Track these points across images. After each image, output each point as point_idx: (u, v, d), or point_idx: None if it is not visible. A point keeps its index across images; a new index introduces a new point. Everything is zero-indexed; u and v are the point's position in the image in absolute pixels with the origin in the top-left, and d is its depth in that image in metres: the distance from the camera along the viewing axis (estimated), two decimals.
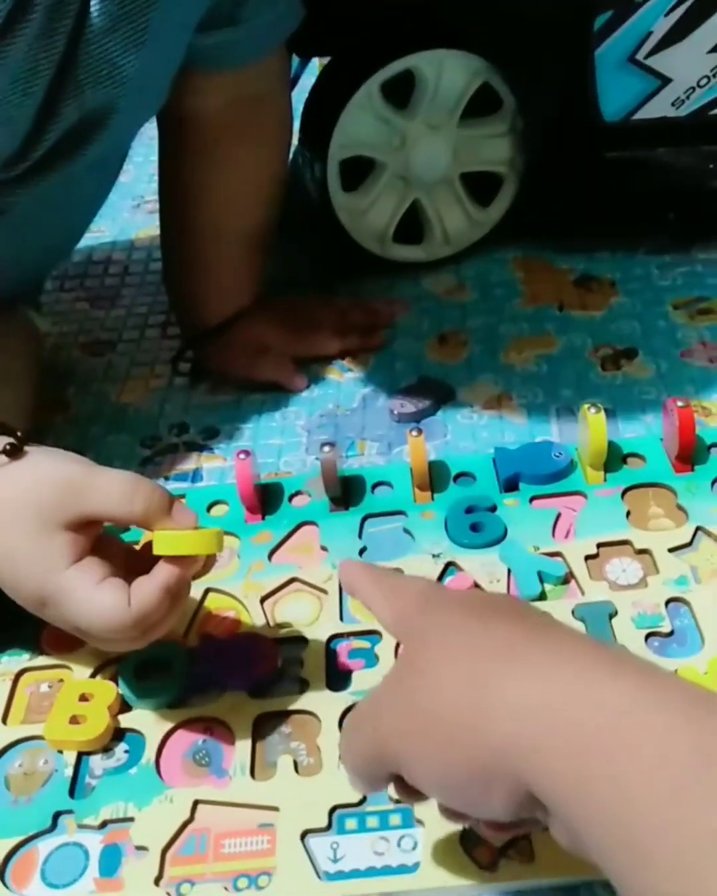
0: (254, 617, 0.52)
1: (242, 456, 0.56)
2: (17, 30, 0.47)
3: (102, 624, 0.41)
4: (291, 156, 0.86)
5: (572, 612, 0.49)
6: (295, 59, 0.81)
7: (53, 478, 0.42)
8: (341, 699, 0.47)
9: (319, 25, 0.71)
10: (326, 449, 0.56)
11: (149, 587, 0.41)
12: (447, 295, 0.78)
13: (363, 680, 0.48)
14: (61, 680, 0.50)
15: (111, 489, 0.41)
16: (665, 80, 0.72)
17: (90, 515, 0.41)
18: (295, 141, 0.86)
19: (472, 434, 0.64)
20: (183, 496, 0.60)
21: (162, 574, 0.42)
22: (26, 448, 0.43)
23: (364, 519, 0.57)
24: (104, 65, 0.52)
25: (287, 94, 0.69)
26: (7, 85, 0.48)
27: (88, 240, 0.94)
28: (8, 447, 0.43)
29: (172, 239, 0.72)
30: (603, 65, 0.71)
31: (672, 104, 0.73)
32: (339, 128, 0.72)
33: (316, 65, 0.90)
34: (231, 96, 0.64)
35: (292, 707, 0.47)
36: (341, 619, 0.51)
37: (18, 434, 0.44)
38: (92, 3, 0.49)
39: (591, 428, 0.54)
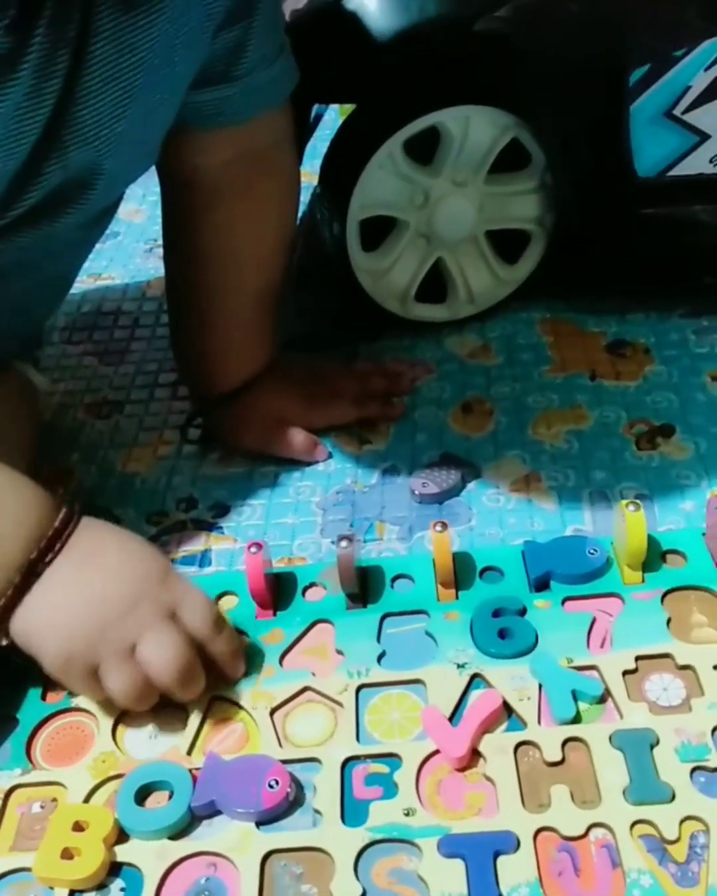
0: (263, 732, 0.48)
1: (253, 549, 0.52)
2: (3, 91, 0.44)
3: (209, 608, 0.49)
4: (307, 209, 0.83)
5: (610, 739, 0.45)
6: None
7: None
8: (357, 836, 0.43)
9: (341, 72, 0.68)
10: (344, 544, 0.52)
11: None
12: (471, 357, 0.74)
13: (381, 813, 0.44)
14: (55, 799, 0.47)
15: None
16: (704, 136, 0.68)
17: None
18: (313, 195, 0.83)
19: (498, 519, 0.60)
20: None
21: None
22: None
23: (383, 618, 0.53)
24: (91, 127, 0.49)
25: (292, 149, 0.66)
26: None
27: (98, 287, 0.91)
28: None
29: (178, 302, 0.69)
30: (638, 120, 0.68)
31: (710, 161, 0.70)
32: (359, 188, 0.68)
33: (337, 112, 0.87)
34: (234, 153, 0.61)
35: (304, 843, 0.43)
36: (358, 738, 0.47)
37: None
38: (84, 64, 0.47)
39: (629, 528, 0.50)
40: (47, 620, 0.47)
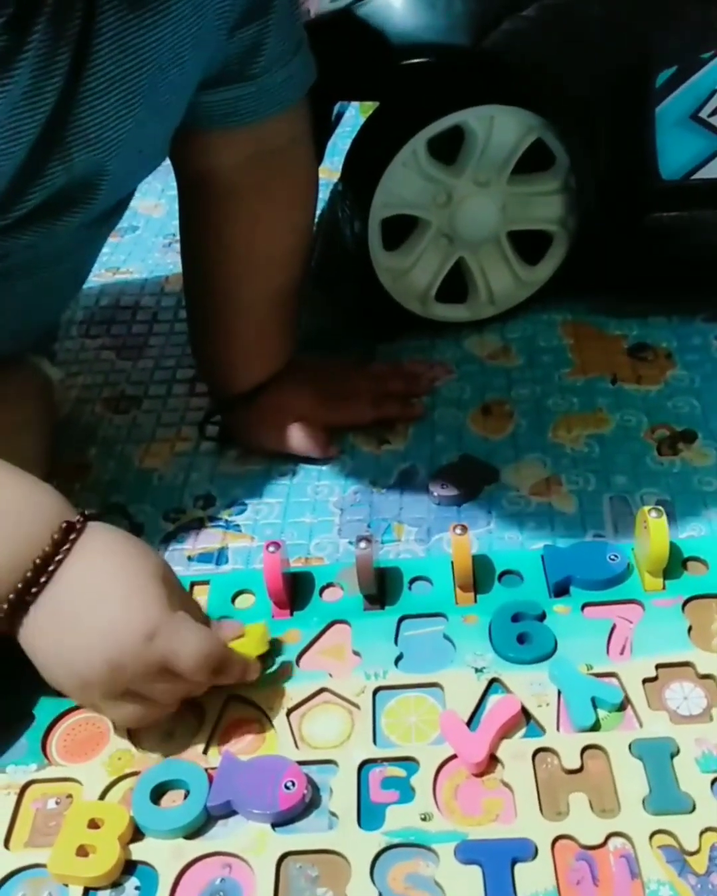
0: (279, 732, 0.48)
1: (271, 548, 0.52)
2: None
3: (209, 648, 0.45)
4: (327, 207, 0.82)
5: (630, 748, 0.44)
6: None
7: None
8: (374, 840, 0.43)
9: (365, 69, 0.68)
10: (363, 545, 0.52)
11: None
12: (491, 358, 0.74)
13: (397, 817, 0.43)
14: (69, 795, 0.47)
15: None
16: None
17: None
18: (334, 192, 0.83)
19: (518, 523, 0.59)
20: (207, 582, 0.56)
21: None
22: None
23: (401, 620, 0.53)
24: (94, 128, 0.49)
25: (310, 148, 0.65)
26: None
27: (117, 281, 0.91)
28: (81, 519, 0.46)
29: (195, 300, 0.68)
30: (664, 122, 0.67)
31: None
32: (381, 186, 0.68)
33: (358, 110, 0.86)
34: (249, 153, 0.60)
35: (320, 846, 0.43)
36: (375, 741, 0.47)
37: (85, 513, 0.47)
38: (86, 64, 0.46)
39: (652, 534, 0.50)
40: (52, 654, 0.45)
